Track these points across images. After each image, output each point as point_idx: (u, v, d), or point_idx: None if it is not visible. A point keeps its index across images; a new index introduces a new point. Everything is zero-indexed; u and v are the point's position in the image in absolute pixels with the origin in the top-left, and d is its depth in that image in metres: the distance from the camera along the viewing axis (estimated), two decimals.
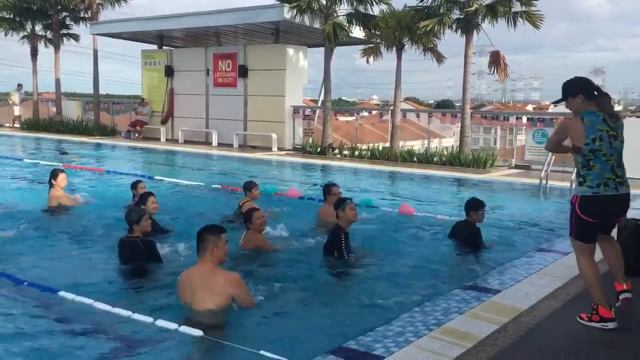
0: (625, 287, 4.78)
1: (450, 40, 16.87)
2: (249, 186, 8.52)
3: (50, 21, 25.43)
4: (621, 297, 4.77)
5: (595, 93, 4.58)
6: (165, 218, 8.20)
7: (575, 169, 4.70)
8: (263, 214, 6.85)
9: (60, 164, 13.66)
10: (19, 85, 27.52)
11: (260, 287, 5.42)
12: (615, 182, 4.49)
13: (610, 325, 4.41)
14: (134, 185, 8.46)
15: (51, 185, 8.88)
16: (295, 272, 6.07)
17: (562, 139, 4.73)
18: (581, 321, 4.55)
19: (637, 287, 5.55)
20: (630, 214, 8.12)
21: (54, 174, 8.95)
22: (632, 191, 9.90)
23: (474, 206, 7.22)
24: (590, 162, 4.48)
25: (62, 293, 5.09)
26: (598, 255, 4.78)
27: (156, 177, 12.65)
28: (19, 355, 4.05)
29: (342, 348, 4.02)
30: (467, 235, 7.16)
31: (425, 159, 16.15)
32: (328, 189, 8.28)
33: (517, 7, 15.50)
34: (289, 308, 5.04)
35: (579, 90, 4.59)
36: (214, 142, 20.44)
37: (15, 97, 27.05)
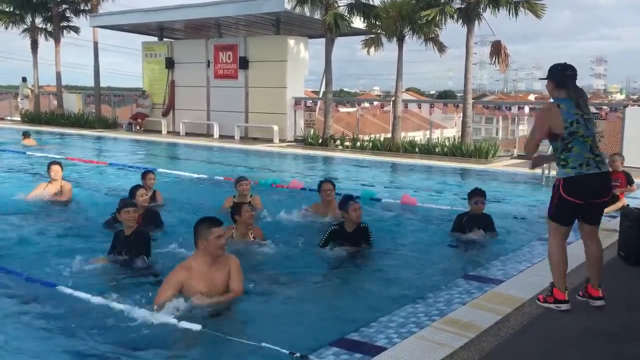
0: (601, 294, 4.67)
1: (451, 30, 16.79)
2: (236, 181, 8.50)
3: (50, 14, 25.38)
4: (595, 304, 4.67)
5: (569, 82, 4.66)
6: (165, 210, 8.24)
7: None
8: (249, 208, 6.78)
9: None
10: (25, 79, 27.46)
11: (259, 279, 5.40)
12: (595, 161, 4.55)
13: (563, 307, 4.56)
14: (143, 176, 8.48)
15: (48, 177, 8.88)
16: (296, 265, 6.05)
17: (544, 131, 4.64)
18: (537, 302, 4.67)
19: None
20: (634, 203, 8.13)
21: (48, 166, 8.93)
22: (635, 180, 9.88)
23: (469, 195, 7.25)
24: (569, 144, 4.57)
25: (60, 287, 5.06)
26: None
27: (158, 170, 12.64)
28: (16, 348, 4.05)
29: (344, 339, 4.01)
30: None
31: (427, 149, 16.12)
32: (319, 186, 8.20)
33: None
34: (289, 300, 5.03)
35: (552, 76, 4.70)
36: (215, 134, 20.42)
37: (27, 91, 27.04)
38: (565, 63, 4.74)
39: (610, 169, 9.05)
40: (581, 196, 4.55)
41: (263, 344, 3.93)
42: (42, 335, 4.33)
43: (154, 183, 8.57)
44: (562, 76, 4.66)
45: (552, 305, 4.58)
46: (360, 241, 6.47)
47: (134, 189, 7.33)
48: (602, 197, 4.64)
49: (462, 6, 15.71)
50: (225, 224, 6.27)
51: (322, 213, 7.96)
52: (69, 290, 5.00)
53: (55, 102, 26.72)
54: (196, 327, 4.23)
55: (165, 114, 22.34)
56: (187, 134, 21.02)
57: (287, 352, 3.82)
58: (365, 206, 8.30)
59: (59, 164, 9.09)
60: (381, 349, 3.83)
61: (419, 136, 20.28)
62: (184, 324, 4.27)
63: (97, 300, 4.79)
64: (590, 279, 4.73)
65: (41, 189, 8.86)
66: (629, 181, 9.08)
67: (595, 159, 4.55)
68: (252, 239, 6.57)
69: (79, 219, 8.08)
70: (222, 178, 11.64)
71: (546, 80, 4.76)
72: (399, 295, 5.10)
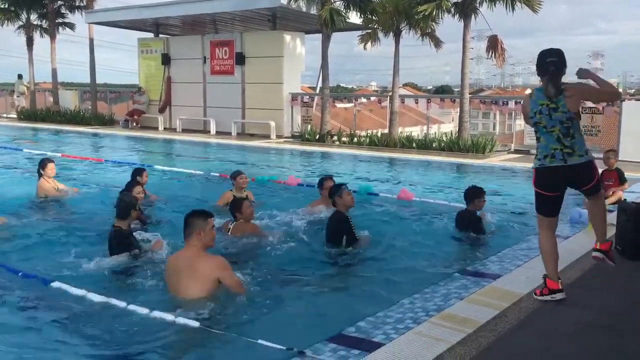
0: (597, 247, 4.80)
1: (448, 25, 16.75)
2: (233, 175, 8.48)
3: (45, 10, 25.26)
4: (593, 254, 4.86)
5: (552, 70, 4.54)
6: (159, 206, 8.30)
7: None
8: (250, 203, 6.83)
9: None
10: (21, 76, 27.33)
11: (256, 275, 5.39)
12: (562, 153, 4.48)
13: (558, 296, 4.56)
14: (140, 173, 8.38)
15: (40, 175, 8.78)
16: (293, 260, 6.03)
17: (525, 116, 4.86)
18: (534, 296, 4.68)
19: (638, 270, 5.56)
20: (631, 197, 8.13)
21: (43, 163, 8.82)
22: (632, 174, 9.87)
23: (474, 194, 7.14)
24: (537, 134, 4.63)
25: (55, 284, 5.05)
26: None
27: (155, 166, 12.63)
28: (13, 347, 4.02)
29: (342, 335, 4.00)
30: (473, 224, 7.05)
31: (424, 144, 16.11)
32: (321, 183, 8.14)
33: None
34: (286, 296, 5.02)
35: (536, 64, 4.64)
36: (212, 131, 20.37)
37: (23, 88, 26.92)
38: (550, 48, 4.62)
39: (606, 165, 9.10)
40: (549, 188, 4.58)
41: (260, 341, 3.92)
42: (39, 331, 4.31)
43: (146, 181, 8.52)
44: (540, 61, 4.57)
45: (548, 297, 4.59)
46: None
47: (131, 185, 7.31)
48: (583, 185, 4.61)
49: (459, 1, 15.67)
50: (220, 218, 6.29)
51: (316, 207, 7.93)
52: (64, 286, 4.97)
53: (51, 99, 26.63)
54: (194, 324, 4.23)
55: (161, 111, 22.28)
56: (184, 131, 20.96)
57: (284, 348, 3.81)
58: (363, 201, 8.30)
59: (53, 161, 9.04)
60: (378, 345, 3.82)
61: (416, 131, 20.30)
62: (182, 321, 4.27)
63: (92, 296, 4.78)
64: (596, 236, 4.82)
65: (48, 185, 8.77)
66: (621, 179, 9.04)
67: (562, 150, 4.47)
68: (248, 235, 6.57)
69: (75, 216, 8.05)
70: (217, 174, 11.61)
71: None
72: (396, 290, 5.08)
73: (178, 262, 4.78)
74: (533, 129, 4.70)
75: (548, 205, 4.66)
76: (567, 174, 4.52)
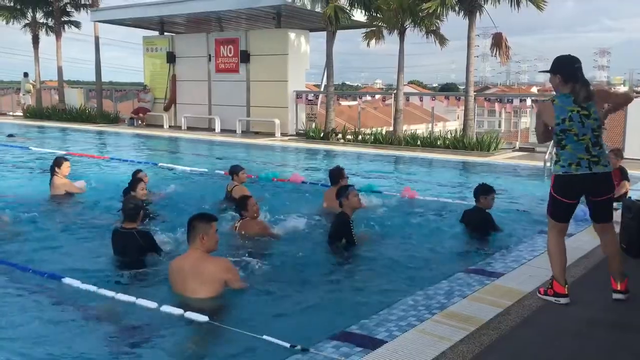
0: (619, 288, 4.61)
1: (453, 23, 16.68)
2: (235, 170, 8.47)
3: (51, 8, 25.33)
4: (614, 296, 4.63)
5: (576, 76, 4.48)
6: (162, 204, 8.35)
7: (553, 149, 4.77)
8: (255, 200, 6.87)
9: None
10: (27, 74, 27.38)
11: (262, 272, 5.42)
12: (589, 161, 4.44)
13: (562, 300, 4.55)
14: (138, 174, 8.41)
15: (54, 173, 8.85)
16: (298, 257, 6.05)
17: (541, 123, 4.73)
18: (538, 295, 4.69)
19: None
20: (635, 195, 8.10)
21: (58, 162, 8.91)
22: (637, 172, 9.82)
23: (484, 191, 7.13)
24: (562, 141, 4.52)
25: (66, 280, 5.10)
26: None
27: (160, 164, 12.67)
28: (24, 341, 4.07)
29: (345, 332, 4.01)
30: (477, 222, 7.05)
31: (429, 142, 16.08)
32: (340, 173, 8.11)
33: None
34: (290, 293, 5.04)
35: (559, 70, 4.55)
36: (217, 129, 20.41)
37: (29, 86, 26.98)
38: (572, 55, 4.59)
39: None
40: (569, 196, 4.54)
41: (264, 337, 3.94)
42: (47, 326, 4.35)
43: (147, 181, 8.53)
44: (568, 68, 4.50)
45: (552, 299, 4.59)
46: None
47: (134, 183, 7.36)
48: (599, 196, 4.54)
49: None
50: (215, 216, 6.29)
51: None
52: (75, 282, 5.03)
53: (57, 97, 26.69)
54: (202, 318, 4.27)
55: (166, 109, 22.32)
56: (189, 128, 21.01)
57: (288, 345, 3.82)
58: (367, 199, 8.30)
59: (67, 160, 9.13)
60: (381, 342, 3.84)
61: (421, 129, 20.25)
62: (190, 315, 4.32)
63: (102, 291, 4.84)
64: (612, 274, 4.66)
65: (62, 183, 8.84)
66: (624, 178, 9.00)
67: (589, 159, 4.43)
68: (255, 233, 6.60)
69: (88, 213, 8.10)
70: (222, 172, 11.62)
71: (549, 74, 4.60)
72: (399, 288, 5.10)
73: (183, 266, 4.80)
74: (558, 137, 4.50)
75: (564, 211, 4.63)
76: (591, 182, 4.47)
